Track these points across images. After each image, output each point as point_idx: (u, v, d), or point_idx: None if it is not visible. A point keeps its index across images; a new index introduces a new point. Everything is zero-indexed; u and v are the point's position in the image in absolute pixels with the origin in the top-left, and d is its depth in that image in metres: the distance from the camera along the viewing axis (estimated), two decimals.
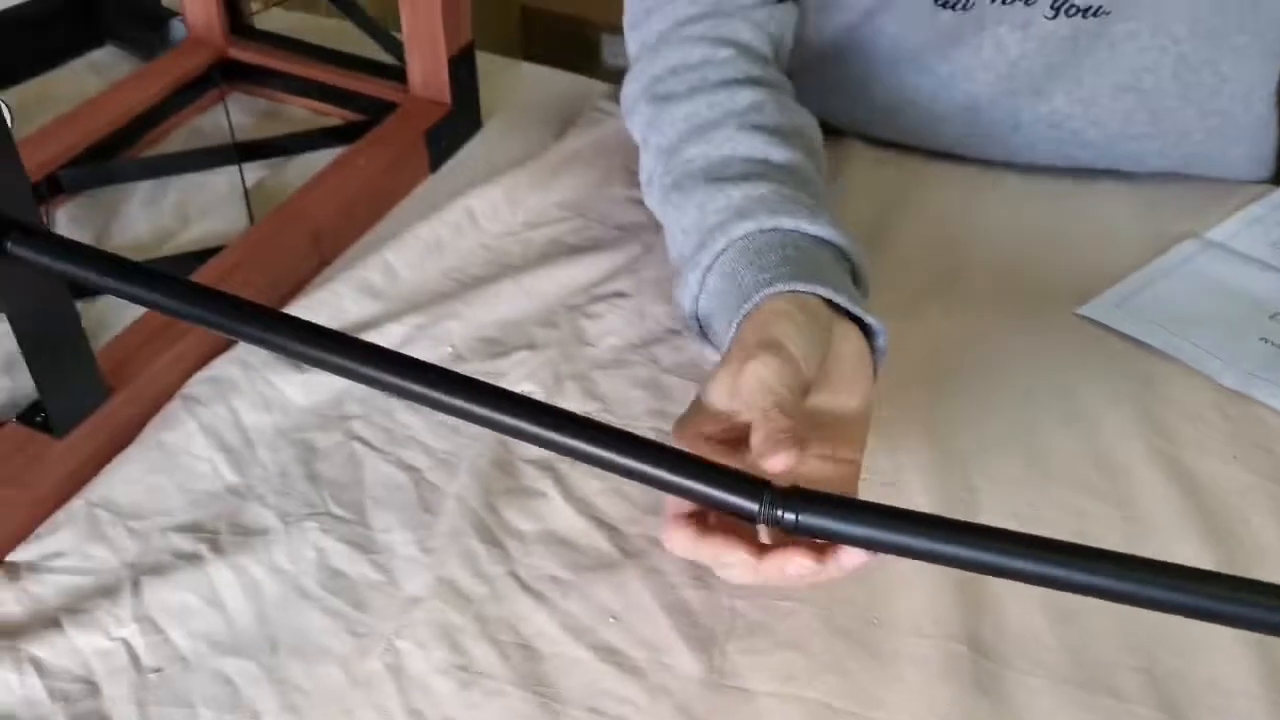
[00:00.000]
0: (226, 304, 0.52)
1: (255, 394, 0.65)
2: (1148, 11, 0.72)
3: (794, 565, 0.46)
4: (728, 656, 0.53)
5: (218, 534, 0.59)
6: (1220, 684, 0.52)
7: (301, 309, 0.69)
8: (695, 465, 0.45)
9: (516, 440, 0.61)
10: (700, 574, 0.57)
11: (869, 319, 0.55)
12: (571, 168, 0.81)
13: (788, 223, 0.58)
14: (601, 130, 0.84)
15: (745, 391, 0.50)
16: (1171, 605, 0.41)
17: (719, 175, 0.62)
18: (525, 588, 0.56)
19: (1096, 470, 0.61)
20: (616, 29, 0.75)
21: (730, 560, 0.47)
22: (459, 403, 0.47)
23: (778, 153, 0.63)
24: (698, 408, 0.52)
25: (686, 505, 0.49)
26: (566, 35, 1.59)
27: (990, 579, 0.54)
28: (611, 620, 0.55)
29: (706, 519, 0.48)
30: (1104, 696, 0.52)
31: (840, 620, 0.55)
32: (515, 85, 0.93)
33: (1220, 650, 0.53)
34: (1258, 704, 0.51)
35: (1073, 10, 0.72)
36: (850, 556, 0.45)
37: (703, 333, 0.62)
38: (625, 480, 0.59)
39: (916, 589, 0.55)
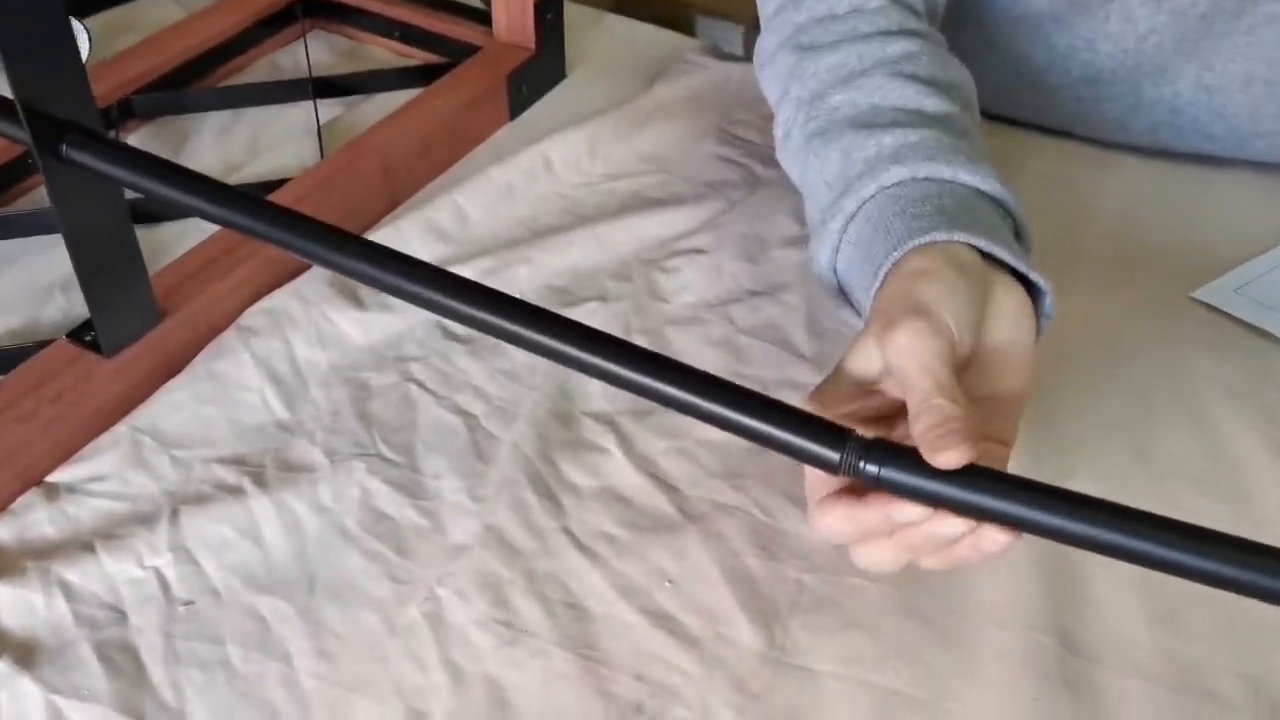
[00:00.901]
0: (285, 219, 0.50)
1: (312, 329, 0.63)
2: None
3: (949, 525, 0.41)
4: (790, 632, 0.49)
5: (262, 468, 0.56)
6: None
7: None
8: (772, 409, 0.42)
9: (578, 391, 0.60)
10: (766, 543, 0.53)
11: (1036, 276, 0.50)
12: (658, 119, 0.77)
13: (944, 171, 0.53)
14: (692, 81, 0.80)
15: (894, 366, 0.44)
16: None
17: (868, 122, 0.57)
18: (578, 544, 0.53)
19: (1209, 464, 0.56)
20: (712, 11, 0.71)
21: (906, 516, 0.41)
22: (522, 330, 0.45)
23: (932, 103, 0.58)
24: (836, 377, 0.47)
25: (828, 486, 0.44)
26: (661, 18, 1.57)
27: (1083, 568, 0.51)
28: (667, 584, 0.51)
29: (857, 491, 0.43)
30: (1202, 702, 0.47)
31: (914, 602, 0.50)
32: (602, 36, 0.89)
33: None
34: None
35: None
36: (993, 539, 0.40)
37: (842, 292, 0.57)
38: (690, 440, 0.57)
39: (1001, 574, 0.51)
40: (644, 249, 0.69)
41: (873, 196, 0.54)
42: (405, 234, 0.68)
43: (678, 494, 0.55)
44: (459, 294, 0.47)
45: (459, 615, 0.50)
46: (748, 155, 0.76)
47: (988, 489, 0.40)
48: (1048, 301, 0.51)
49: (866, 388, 0.47)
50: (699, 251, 0.68)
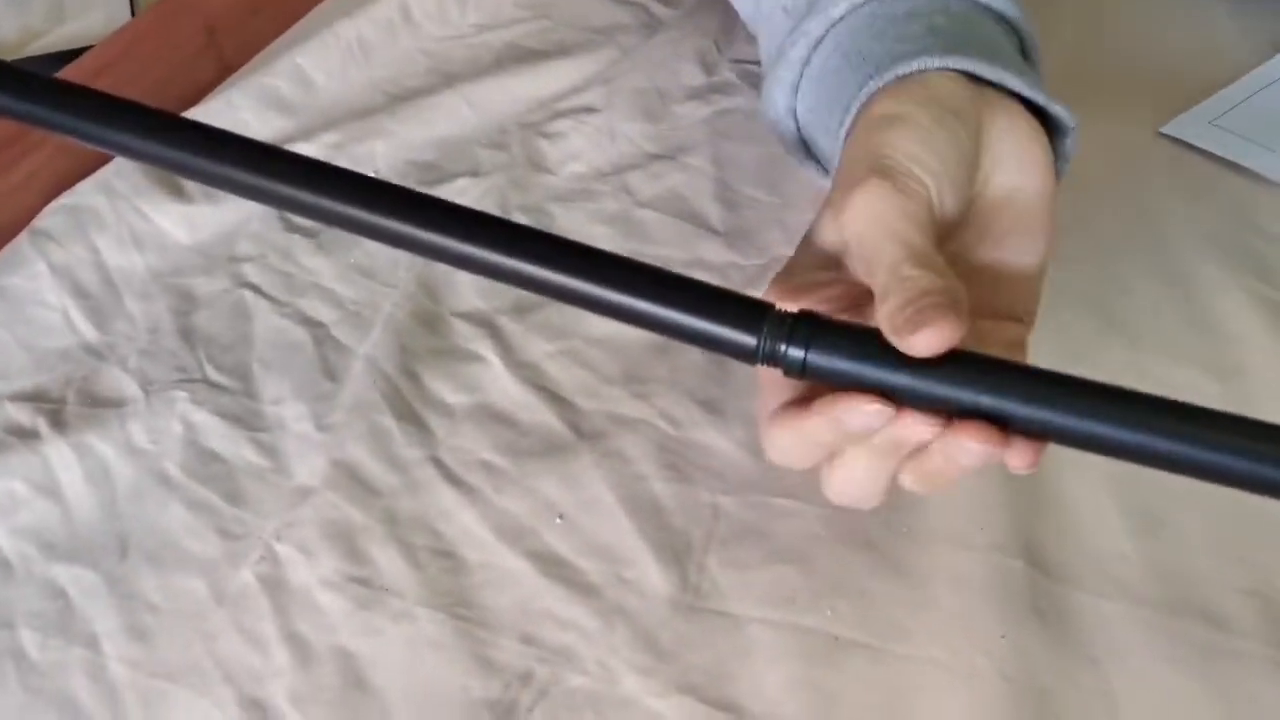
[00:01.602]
0: (63, 97, 0.40)
1: (124, 228, 0.53)
2: None
3: (912, 428, 0.32)
4: (706, 571, 0.41)
5: (63, 404, 0.47)
6: None
7: None
8: (667, 285, 0.34)
9: (446, 287, 0.50)
10: (675, 461, 0.44)
11: (1057, 108, 0.40)
12: None
13: None
14: None
15: (854, 239, 0.35)
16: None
17: None
18: (449, 477, 0.44)
19: (1190, 330, 0.48)
20: None
21: (858, 421, 0.32)
22: (361, 214, 0.37)
23: None
24: (799, 259, 0.38)
25: (780, 396, 0.35)
26: None
27: (1049, 469, 0.43)
28: (558, 521, 0.43)
29: (808, 400, 0.34)
30: (1200, 626, 0.39)
31: (854, 525, 0.42)
32: None
33: None
34: None
35: None
36: (965, 448, 0.32)
37: (804, 144, 0.46)
38: (581, 339, 0.48)
39: (959, 486, 0.42)
40: (523, 111, 0.59)
41: (844, 17, 0.43)
42: (237, 106, 0.58)
43: (569, 408, 0.46)
44: (291, 178, 0.37)
45: (302, 575, 0.41)
46: None
47: (947, 372, 0.31)
48: (1070, 140, 0.41)
49: (831, 267, 0.37)
50: (588, 110, 0.58)
